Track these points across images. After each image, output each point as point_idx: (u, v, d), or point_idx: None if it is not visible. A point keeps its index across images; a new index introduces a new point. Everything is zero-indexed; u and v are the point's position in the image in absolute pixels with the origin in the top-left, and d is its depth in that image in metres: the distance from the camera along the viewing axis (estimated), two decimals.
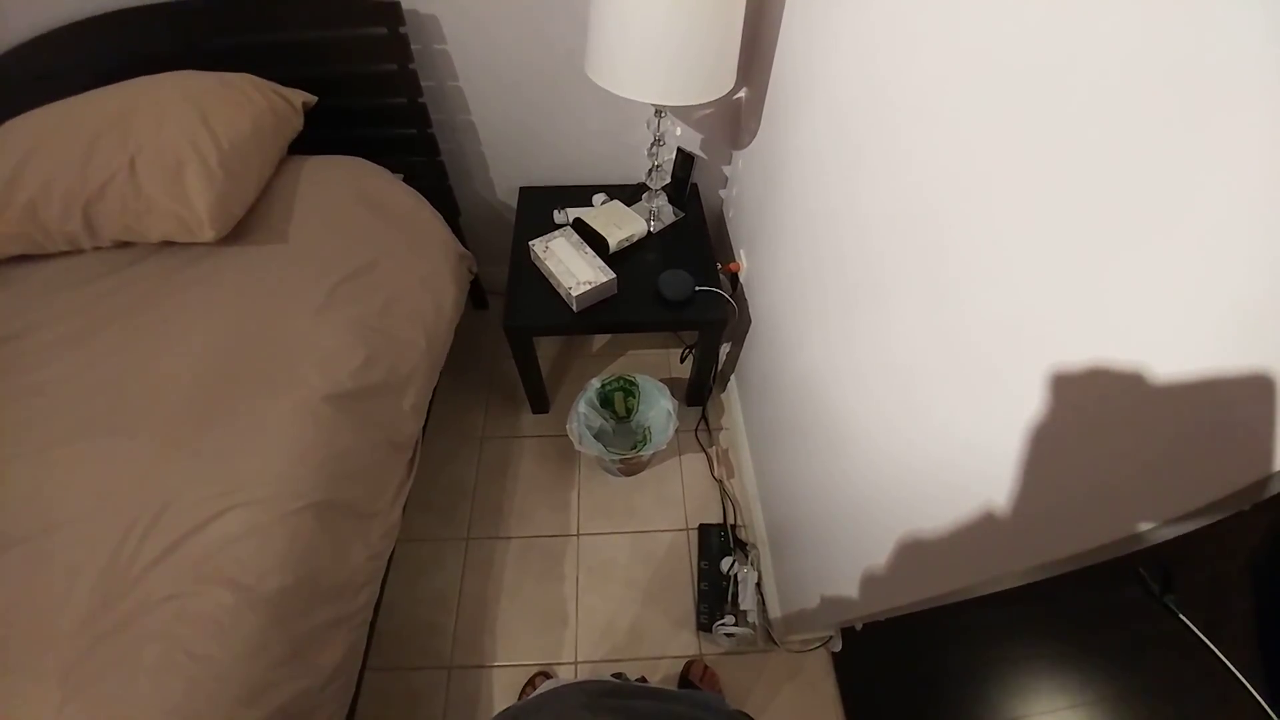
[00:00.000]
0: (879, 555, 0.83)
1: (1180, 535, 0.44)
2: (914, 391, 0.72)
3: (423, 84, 1.33)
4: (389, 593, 1.16)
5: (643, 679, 1.28)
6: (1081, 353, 0.47)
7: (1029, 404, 0.52)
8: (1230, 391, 0.37)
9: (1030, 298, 0.51)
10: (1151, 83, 0.39)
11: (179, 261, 1.12)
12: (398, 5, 1.20)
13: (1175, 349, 0.40)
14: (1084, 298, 0.46)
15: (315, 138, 1.30)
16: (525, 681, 1.31)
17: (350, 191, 1.28)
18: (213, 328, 1.03)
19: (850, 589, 0.95)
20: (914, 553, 0.76)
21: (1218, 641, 0.83)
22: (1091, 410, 0.47)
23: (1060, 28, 0.46)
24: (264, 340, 1.02)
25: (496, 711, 0.69)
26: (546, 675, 1.33)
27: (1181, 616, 0.86)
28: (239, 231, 1.13)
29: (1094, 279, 0.45)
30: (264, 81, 1.21)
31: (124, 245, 1.15)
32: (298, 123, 1.26)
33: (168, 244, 1.13)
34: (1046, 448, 0.52)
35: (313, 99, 1.29)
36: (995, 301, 0.56)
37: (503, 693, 1.32)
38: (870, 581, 0.88)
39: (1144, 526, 0.44)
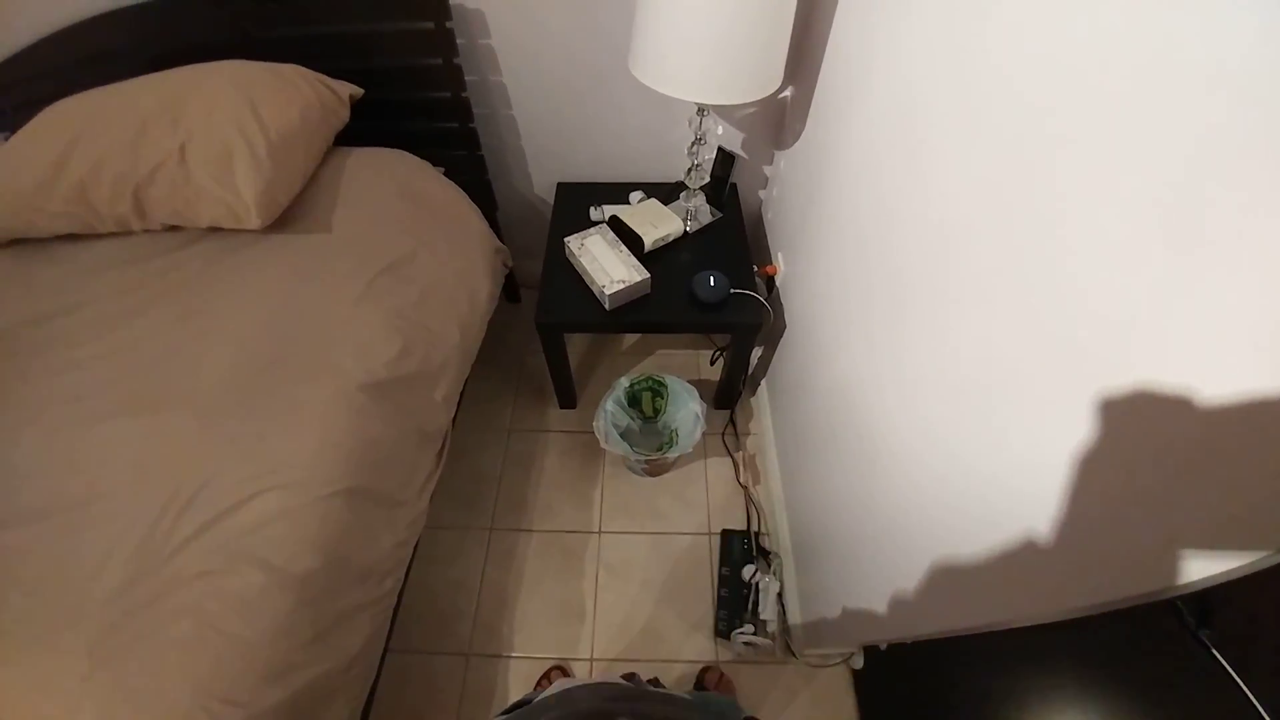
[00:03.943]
0: (910, 576, 0.81)
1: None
2: (962, 406, 0.68)
3: (466, 78, 1.34)
4: (412, 577, 1.17)
5: (655, 680, 1.27)
6: (1127, 387, 0.44)
7: (1082, 429, 0.49)
8: None
9: (1101, 314, 0.48)
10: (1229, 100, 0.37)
11: (225, 247, 1.15)
12: (445, 0, 1.21)
13: (1237, 387, 0.37)
14: (1133, 328, 0.44)
15: (360, 129, 1.32)
16: (541, 675, 1.32)
17: (392, 184, 1.29)
18: (255, 313, 1.06)
19: (877, 607, 0.92)
20: (948, 577, 0.73)
21: (1248, 680, 0.78)
22: (1138, 448, 0.45)
23: (1167, 36, 0.43)
24: (304, 327, 1.05)
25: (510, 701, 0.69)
26: (562, 670, 1.33)
27: (1215, 653, 0.81)
28: (284, 220, 1.15)
29: (1147, 308, 0.42)
30: (313, 73, 1.23)
31: (172, 229, 1.18)
32: (344, 115, 1.28)
33: (215, 229, 1.16)
34: (1100, 478, 0.49)
35: (360, 91, 1.31)
36: (1064, 317, 0.53)
37: (518, 683, 1.33)
38: (899, 602, 0.86)
39: (1197, 574, 0.42)
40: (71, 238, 1.17)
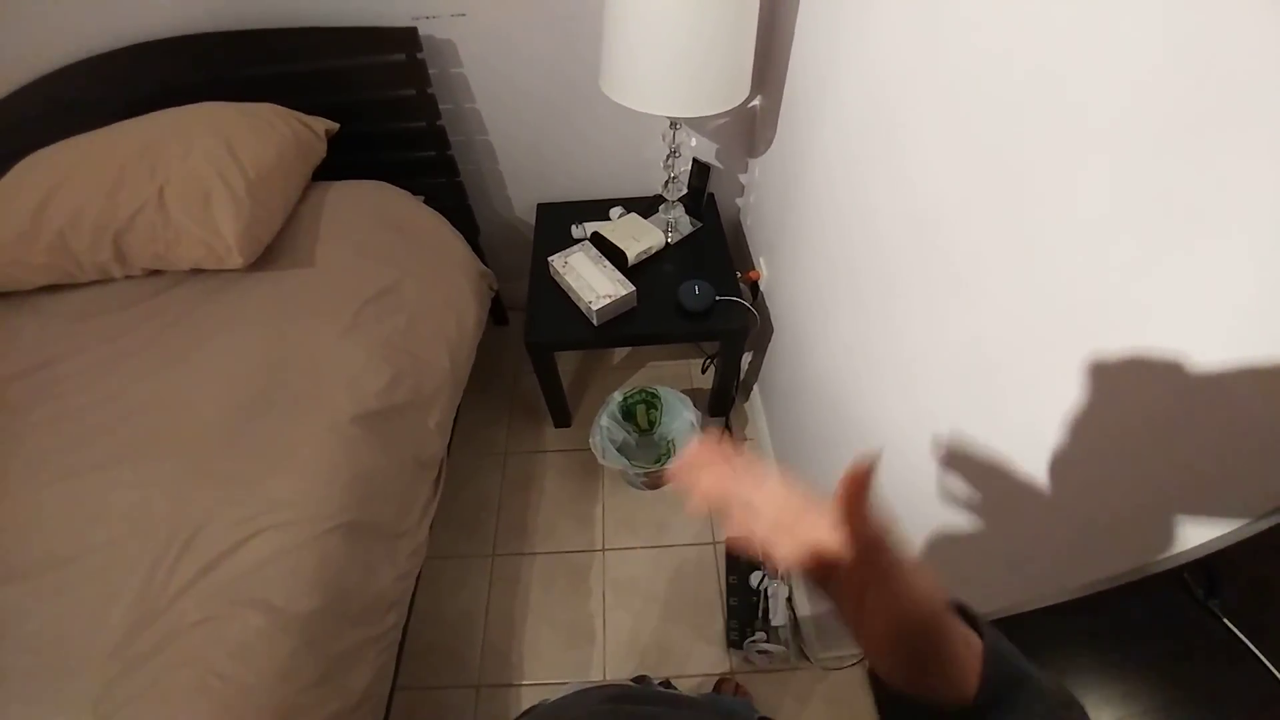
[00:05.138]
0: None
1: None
2: (959, 386, 0.69)
3: (441, 107, 1.35)
4: (417, 609, 1.15)
5: (666, 682, 1.25)
6: (1140, 351, 0.45)
7: (1074, 401, 0.50)
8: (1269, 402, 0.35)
9: (1066, 298, 0.50)
10: (1175, 84, 0.38)
11: (208, 288, 1.15)
12: (415, 32, 1.22)
13: (1226, 353, 0.38)
14: (1120, 305, 0.45)
15: (338, 163, 1.32)
16: None
17: (373, 215, 1.30)
18: (242, 352, 1.05)
19: None
20: (953, 564, 0.73)
21: (1262, 646, 0.79)
22: (1136, 421, 0.45)
23: (1105, 26, 0.45)
24: (292, 363, 1.04)
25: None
26: None
27: (1226, 622, 0.82)
28: (266, 257, 1.15)
29: (1132, 285, 0.44)
30: (287, 110, 1.23)
31: (154, 273, 1.17)
32: (321, 149, 1.28)
33: (197, 271, 1.15)
34: (1095, 449, 0.50)
35: (335, 126, 1.31)
36: (1028, 313, 0.54)
37: None
38: None
39: (1192, 542, 0.42)
40: (52, 288, 1.15)
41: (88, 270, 1.13)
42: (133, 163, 1.08)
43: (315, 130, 1.26)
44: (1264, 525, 0.39)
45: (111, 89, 1.25)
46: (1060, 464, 0.53)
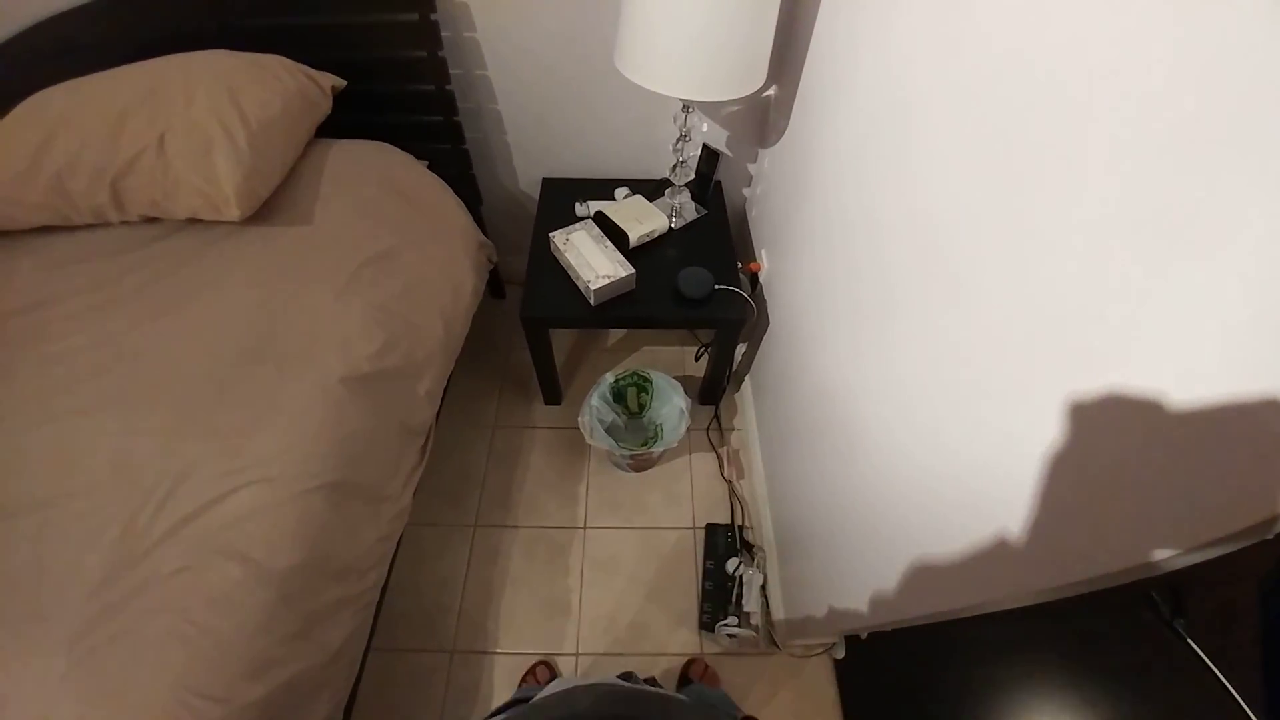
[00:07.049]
0: (888, 566, 0.82)
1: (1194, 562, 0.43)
2: (932, 408, 0.70)
3: (451, 72, 1.33)
4: (396, 574, 1.17)
5: (652, 679, 1.27)
6: (1101, 379, 0.46)
7: (1048, 428, 0.51)
8: (1248, 421, 0.36)
9: (1055, 322, 0.50)
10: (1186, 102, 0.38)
11: (204, 239, 1.14)
12: None
13: (1195, 377, 0.39)
14: (1107, 321, 0.45)
15: (343, 122, 1.30)
16: (526, 670, 1.32)
17: (375, 176, 1.28)
18: (234, 305, 1.04)
19: (857, 597, 0.94)
20: (924, 567, 0.75)
21: (1223, 668, 0.81)
22: (1110, 437, 0.46)
23: (1104, 46, 0.45)
24: (284, 320, 1.04)
25: (497, 704, 0.68)
26: (548, 665, 1.33)
27: (1189, 641, 0.83)
28: (264, 212, 1.14)
29: (1120, 302, 0.44)
30: (294, 64, 1.21)
31: (150, 220, 1.16)
32: (326, 106, 1.26)
33: (194, 221, 1.14)
34: (1063, 473, 0.51)
35: (342, 83, 1.29)
36: (1020, 324, 0.55)
37: (503, 679, 1.33)
38: (878, 592, 0.87)
39: (1158, 556, 0.43)
40: (48, 230, 1.14)
41: (84, 213, 1.11)
42: (134, 107, 1.06)
43: (321, 86, 1.24)
44: (1231, 548, 0.40)
45: (120, 32, 1.23)
46: (1039, 473, 0.53)
